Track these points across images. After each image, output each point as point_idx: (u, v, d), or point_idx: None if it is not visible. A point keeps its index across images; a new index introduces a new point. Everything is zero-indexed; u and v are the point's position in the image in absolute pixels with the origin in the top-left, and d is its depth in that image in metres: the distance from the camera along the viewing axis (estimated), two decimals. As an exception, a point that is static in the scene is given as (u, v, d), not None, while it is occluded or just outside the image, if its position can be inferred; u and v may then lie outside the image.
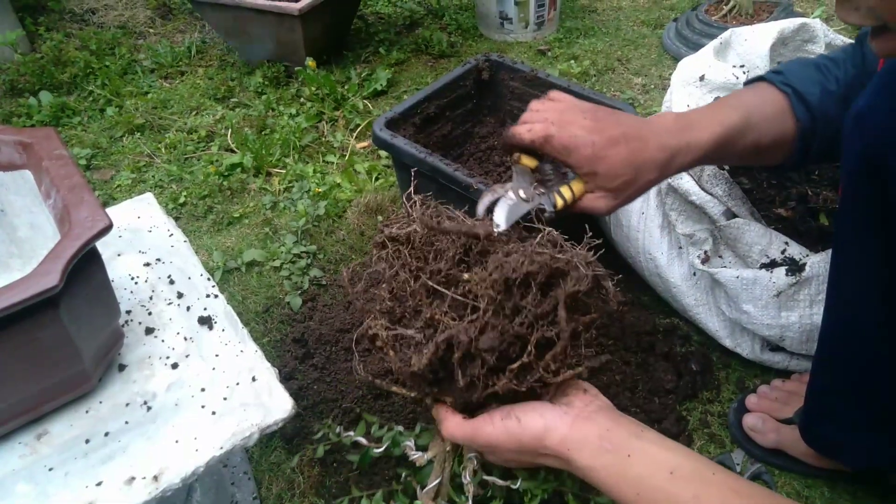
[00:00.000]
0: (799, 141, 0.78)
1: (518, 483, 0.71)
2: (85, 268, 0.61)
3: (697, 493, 0.53)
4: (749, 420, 0.94)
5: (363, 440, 0.80)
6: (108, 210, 0.90)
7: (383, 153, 1.58)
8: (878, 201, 0.56)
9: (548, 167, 0.76)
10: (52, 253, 0.57)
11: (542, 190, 0.75)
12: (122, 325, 0.74)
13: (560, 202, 0.74)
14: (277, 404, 0.70)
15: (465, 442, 0.66)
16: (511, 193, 0.73)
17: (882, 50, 0.47)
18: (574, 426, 0.59)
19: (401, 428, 0.80)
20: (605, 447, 0.58)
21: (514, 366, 0.61)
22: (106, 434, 0.67)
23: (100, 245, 0.63)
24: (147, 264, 0.81)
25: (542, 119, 0.72)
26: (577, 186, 0.74)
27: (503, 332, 0.60)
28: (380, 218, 1.39)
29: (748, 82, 0.85)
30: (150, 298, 0.77)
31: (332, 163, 1.60)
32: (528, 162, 0.75)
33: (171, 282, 0.79)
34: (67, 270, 0.57)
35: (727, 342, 1.05)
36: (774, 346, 1.03)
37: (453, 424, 0.65)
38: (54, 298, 0.58)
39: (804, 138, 0.78)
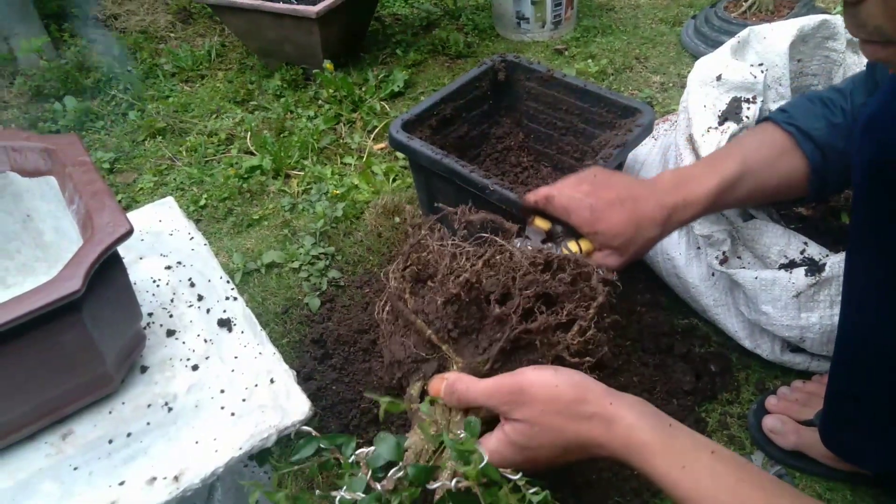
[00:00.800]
0: (813, 175, 0.81)
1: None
2: (107, 272, 0.62)
3: (740, 477, 0.51)
4: (769, 422, 0.94)
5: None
6: (130, 214, 0.92)
7: (401, 154, 1.59)
8: (891, 207, 0.55)
9: (559, 228, 0.83)
10: (75, 258, 0.59)
11: (551, 244, 0.82)
12: (144, 328, 0.76)
13: (566, 253, 0.79)
14: (295, 406, 0.72)
15: (484, 401, 0.59)
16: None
17: (877, 58, 0.48)
18: (610, 390, 0.58)
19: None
20: (647, 411, 0.56)
21: (546, 314, 0.65)
22: (128, 434, 0.69)
23: (122, 249, 0.64)
24: (168, 267, 0.83)
25: (549, 186, 0.81)
26: (585, 244, 0.80)
27: (538, 281, 0.66)
28: (397, 219, 1.39)
29: (758, 121, 0.88)
30: (172, 301, 0.79)
31: (350, 164, 1.61)
32: (542, 223, 0.84)
33: (192, 284, 0.81)
34: (90, 275, 0.59)
35: (746, 343, 1.04)
36: (795, 347, 1.02)
37: (469, 382, 0.60)
38: (77, 303, 0.59)
39: (817, 172, 0.80)
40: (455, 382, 0.62)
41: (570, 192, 0.78)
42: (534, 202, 0.81)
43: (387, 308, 0.74)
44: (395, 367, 0.72)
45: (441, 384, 0.64)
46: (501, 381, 0.59)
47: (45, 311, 0.57)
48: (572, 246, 0.80)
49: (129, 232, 0.61)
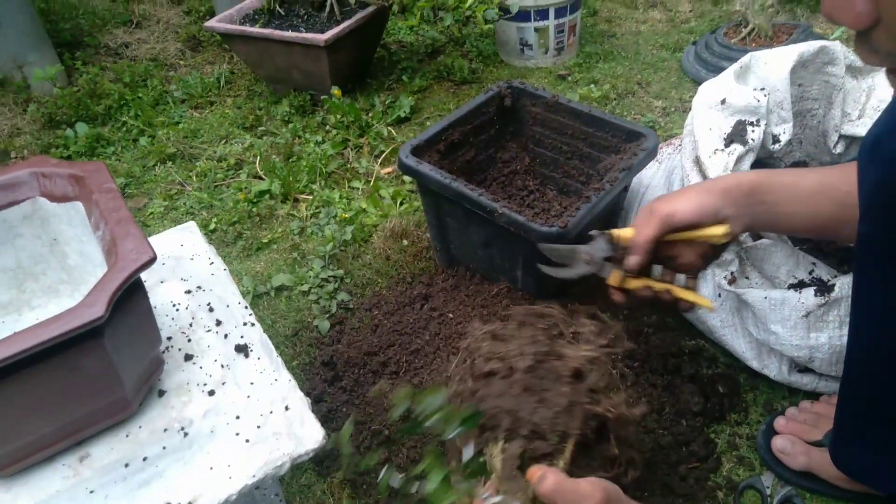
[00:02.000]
0: None
1: None
2: (129, 299, 0.64)
3: None
4: (778, 442, 0.94)
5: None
6: (153, 238, 0.94)
7: (407, 178, 1.61)
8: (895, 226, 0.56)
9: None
10: (99, 285, 0.60)
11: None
12: (163, 352, 0.77)
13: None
14: (309, 434, 0.72)
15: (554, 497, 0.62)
16: None
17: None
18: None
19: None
20: None
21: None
22: (144, 459, 0.70)
23: (143, 273, 0.65)
24: (188, 291, 0.84)
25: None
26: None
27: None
28: (405, 242, 1.41)
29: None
30: (190, 325, 0.80)
31: (358, 188, 1.64)
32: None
33: (211, 309, 0.82)
34: (113, 302, 0.60)
35: (754, 364, 1.05)
36: (802, 368, 1.02)
37: (558, 479, 0.62)
38: (99, 329, 0.60)
39: None
40: (541, 479, 0.63)
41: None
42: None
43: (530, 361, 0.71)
44: (502, 415, 0.68)
45: (540, 474, 0.64)
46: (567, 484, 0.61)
47: (68, 336, 0.58)
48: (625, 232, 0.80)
49: (153, 259, 0.62)
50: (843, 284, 0.93)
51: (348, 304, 1.30)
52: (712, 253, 0.81)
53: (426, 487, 0.64)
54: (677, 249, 0.79)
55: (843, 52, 1.14)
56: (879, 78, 1.18)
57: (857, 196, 0.74)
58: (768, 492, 0.93)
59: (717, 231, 0.76)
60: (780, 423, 0.97)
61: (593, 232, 0.81)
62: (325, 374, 1.15)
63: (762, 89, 1.12)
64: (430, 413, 0.65)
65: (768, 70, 1.12)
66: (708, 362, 1.11)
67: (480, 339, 0.74)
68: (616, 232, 0.80)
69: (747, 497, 0.93)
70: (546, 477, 0.62)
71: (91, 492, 0.67)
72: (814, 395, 1.02)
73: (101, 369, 0.64)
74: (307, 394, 0.95)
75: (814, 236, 0.77)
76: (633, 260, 0.78)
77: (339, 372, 1.15)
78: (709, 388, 1.06)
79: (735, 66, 1.16)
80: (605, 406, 0.67)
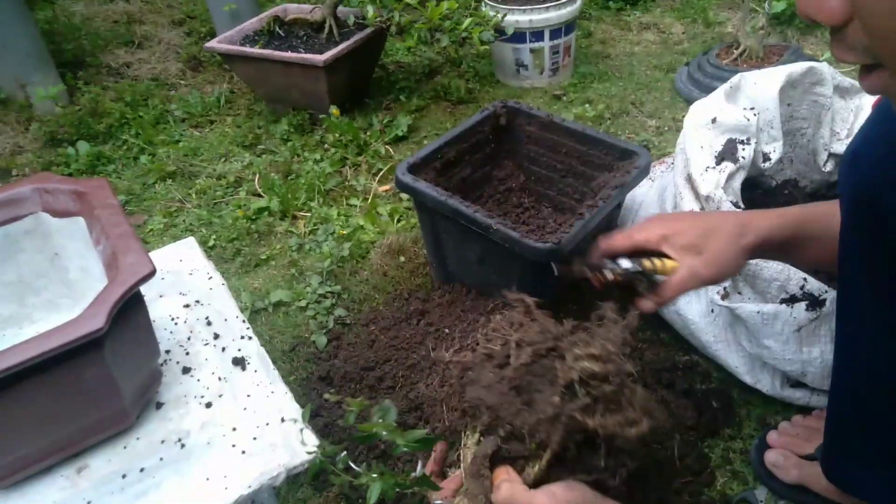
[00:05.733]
0: None
1: None
2: (129, 311, 0.65)
3: None
4: (771, 456, 0.95)
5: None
6: (153, 253, 0.95)
7: (405, 196, 1.63)
8: (877, 239, 0.58)
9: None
10: (100, 297, 0.62)
11: (630, 266, 0.77)
12: (161, 364, 0.78)
13: (646, 267, 0.78)
14: (304, 446, 0.73)
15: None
16: None
17: (871, 88, 0.48)
18: None
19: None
20: None
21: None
22: (141, 470, 0.70)
23: (143, 287, 0.67)
24: (187, 306, 0.85)
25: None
26: (668, 263, 0.76)
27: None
28: (402, 259, 1.42)
29: None
30: (189, 339, 0.81)
31: (356, 206, 1.65)
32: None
33: (209, 323, 0.83)
34: (113, 314, 0.61)
35: (747, 378, 1.06)
36: (795, 382, 1.03)
37: (513, 490, 0.61)
38: (100, 340, 0.62)
39: None
40: (499, 483, 0.62)
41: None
42: (608, 246, 0.78)
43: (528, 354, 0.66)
44: (483, 409, 0.65)
45: (498, 482, 0.63)
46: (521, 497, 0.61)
47: (69, 347, 0.59)
48: (655, 261, 0.76)
49: (152, 273, 0.64)
50: (834, 300, 0.94)
51: (345, 319, 1.31)
52: None
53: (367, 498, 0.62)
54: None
55: (830, 73, 1.17)
56: (867, 98, 1.21)
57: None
58: (762, 506, 0.93)
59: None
60: (772, 437, 0.98)
61: (624, 262, 0.77)
62: (322, 389, 1.15)
63: (752, 109, 1.14)
64: (381, 426, 0.63)
65: (757, 90, 1.15)
66: (701, 377, 1.12)
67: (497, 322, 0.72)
68: (658, 263, 0.76)
69: (741, 511, 0.94)
70: (500, 487, 0.60)
71: (88, 502, 0.67)
72: (806, 410, 1.03)
73: (100, 381, 0.65)
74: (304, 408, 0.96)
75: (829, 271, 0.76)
76: (656, 304, 0.76)
77: (335, 387, 1.15)
78: (702, 402, 1.07)
79: (725, 86, 1.18)
80: (598, 422, 0.62)
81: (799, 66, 1.16)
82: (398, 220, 1.57)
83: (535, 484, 0.63)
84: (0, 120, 2.12)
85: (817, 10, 0.43)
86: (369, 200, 1.66)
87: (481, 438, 0.65)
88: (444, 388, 1.09)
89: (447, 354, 0.72)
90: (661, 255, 0.77)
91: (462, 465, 0.67)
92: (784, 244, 0.76)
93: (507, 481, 0.61)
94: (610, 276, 0.77)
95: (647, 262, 0.76)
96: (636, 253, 0.78)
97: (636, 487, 0.74)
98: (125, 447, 0.72)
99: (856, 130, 1.18)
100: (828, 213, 0.75)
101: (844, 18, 0.43)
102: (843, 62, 0.50)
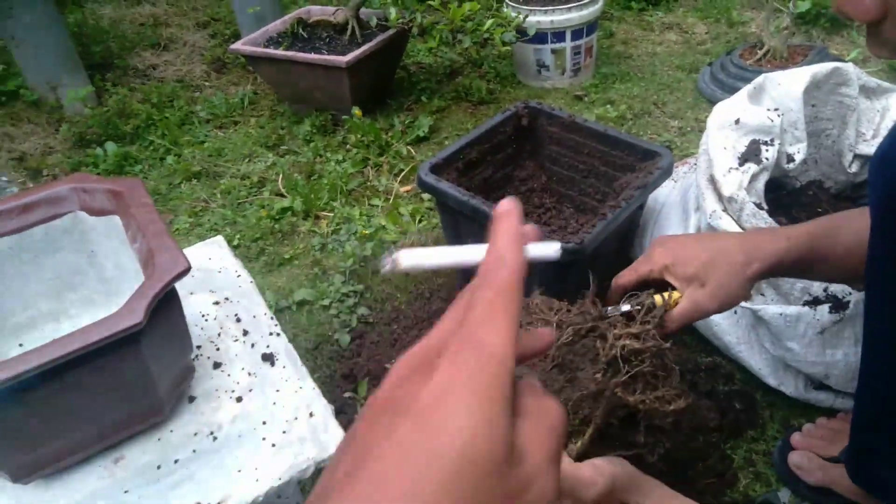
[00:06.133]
0: None
1: None
2: (165, 307, 0.67)
3: None
4: (794, 458, 0.94)
5: None
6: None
7: (426, 196, 1.65)
8: None
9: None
10: (138, 293, 0.64)
11: (637, 303, 0.77)
12: (193, 359, 0.80)
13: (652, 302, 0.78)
14: (332, 440, 0.75)
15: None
16: None
17: None
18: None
19: None
20: None
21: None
22: (176, 461, 0.72)
23: (176, 284, 0.69)
24: (216, 303, 0.87)
25: None
26: (672, 295, 0.76)
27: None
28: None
29: None
30: (219, 335, 0.83)
31: (378, 206, 1.67)
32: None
33: (238, 320, 0.85)
34: (150, 309, 0.63)
35: (770, 380, 1.06)
36: (819, 385, 1.03)
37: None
38: (137, 335, 0.64)
39: None
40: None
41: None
42: (616, 284, 0.80)
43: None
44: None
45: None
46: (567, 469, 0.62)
47: (109, 340, 0.61)
48: (657, 299, 0.75)
49: (187, 269, 0.65)
50: (858, 302, 0.94)
51: (368, 318, 1.33)
52: None
53: None
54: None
55: (856, 74, 1.16)
56: (893, 98, 1.20)
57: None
58: (785, 508, 0.93)
59: None
60: (796, 438, 0.97)
61: (624, 306, 0.77)
62: (345, 387, 1.17)
63: (776, 109, 1.14)
64: None
65: (781, 91, 1.15)
66: (724, 379, 1.12)
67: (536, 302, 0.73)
68: (658, 300, 0.76)
69: (764, 512, 0.94)
70: None
71: (126, 492, 0.69)
72: (831, 412, 1.03)
73: (137, 374, 0.67)
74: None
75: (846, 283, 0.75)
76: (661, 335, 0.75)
77: (358, 384, 1.17)
78: (725, 404, 1.07)
79: (749, 87, 1.18)
80: (638, 398, 0.64)
81: (824, 67, 1.15)
82: (420, 220, 1.58)
83: (579, 458, 0.65)
84: (32, 121, 2.18)
85: (853, 7, 0.44)
86: (391, 201, 1.68)
87: None
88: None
89: None
90: (667, 284, 0.77)
91: None
92: (793, 267, 0.75)
93: None
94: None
95: (647, 300, 0.76)
96: (642, 285, 0.78)
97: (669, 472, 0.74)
98: (159, 439, 0.74)
99: (882, 131, 1.18)
100: (837, 228, 0.74)
101: (879, 15, 0.43)
102: (877, 56, 0.51)
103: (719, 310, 0.73)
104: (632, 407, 0.64)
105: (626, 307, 0.75)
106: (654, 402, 0.63)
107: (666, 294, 0.76)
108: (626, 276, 0.79)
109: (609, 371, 0.64)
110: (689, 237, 0.76)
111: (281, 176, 1.82)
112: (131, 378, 0.67)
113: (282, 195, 1.76)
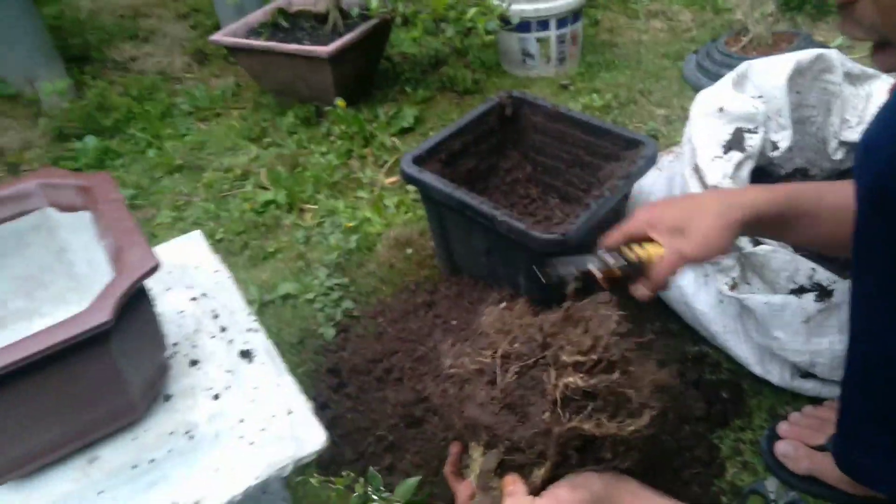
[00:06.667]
0: None
1: None
2: (135, 305, 0.65)
3: None
4: (781, 447, 0.94)
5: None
6: (160, 247, 0.96)
7: (411, 188, 1.63)
8: (894, 227, 0.57)
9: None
10: (105, 291, 0.62)
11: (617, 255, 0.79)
12: (169, 357, 0.78)
13: (633, 255, 0.78)
14: (311, 437, 0.73)
15: None
16: None
17: (883, 65, 0.48)
18: None
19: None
20: None
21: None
22: (151, 461, 0.71)
23: (150, 281, 0.67)
24: (193, 299, 0.86)
25: None
26: (652, 248, 0.77)
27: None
28: (409, 251, 1.42)
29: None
30: (196, 332, 0.82)
31: (362, 198, 1.65)
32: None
33: (216, 316, 0.84)
34: (118, 307, 0.61)
35: (757, 369, 1.05)
36: (805, 373, 1.02)
37: (516, 501, 0.62)
38: (106, 333, 0.62)
39: None
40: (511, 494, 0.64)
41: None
42: (603, 244, 0.81)
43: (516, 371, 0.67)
44: (480, 429, 0.66)
45: (509, 488, 0.64)
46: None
47: (76, 340, 0.60)
48: (638, 250, 0.76)
49: (157, 267, 0.64)
50: (843, 289, 0.93)
51: (353, 311, 1.31)
52: None
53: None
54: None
55: (840, 60, 1.15)
56: (877, 84, 1.19)
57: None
58: (773, 496, 0.93)
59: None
60: (783, 427, 0.97)
61: (607, 257, 0.78)
62: (330, 381, 1.16)
63: (760, 97, 1.13)
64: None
65: (765, 78, 1.14)
66: (711, 368, 1.11)
67: (487, 324, 0.72)
68: (639, 252, 0.77)
69: (752, 502, 0.93)
70: (505, 502, 0.62)
71: (100, 493, 0.68)
72: (817, 401, 1.03)
73: (108, 373, 0.65)
74: (312, 400, 0.96)
75: (824, 252, 0.75)
76: (650, 290, 0.76)
77: (344, 379, 1.16)
78: (712, 393, 1.06)
79: (732, 75, 1.17)
80: (592, 428, 0.62)
81: (807, 54, 1.14)
82: (405, 212, 1.57)
83: (543, 485, 0.64)
84: (9, 115, 2.13)
85: None
86: (376, 192, 1.66)
87: (485, 451, 0.66)
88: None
89: (446, 361, 0.73)
90: (651, 241, 0.78)
91: (472, 475, 0.68)
92: (775, 220, 0.76)
93: (511, 494, 0.62)
94: (598, 273, 0.77)
95: (629, 252, 0.77)
96: (628, 244, 0.79)
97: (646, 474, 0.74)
98: (134, 439, 0.73)
99: (867, 118, 1.17)
100: (819, 190, 0.76)
101: None
102: (851, 38, 0.50)
103: (701, 256, 0.74)
104: (588, 435, 0.62)
105: (610, 259, 0.77)
106: (612, 428, 0.62)
107: (648, 245, 0.77)
108: (612, 237, 0.81)
109: (556, 408, 0.62)
110: (673, 198, 0.77)
111: (264, 169, 1.79)
112: (102, 377, 0.65)
113: (265, 188, 1.73)
